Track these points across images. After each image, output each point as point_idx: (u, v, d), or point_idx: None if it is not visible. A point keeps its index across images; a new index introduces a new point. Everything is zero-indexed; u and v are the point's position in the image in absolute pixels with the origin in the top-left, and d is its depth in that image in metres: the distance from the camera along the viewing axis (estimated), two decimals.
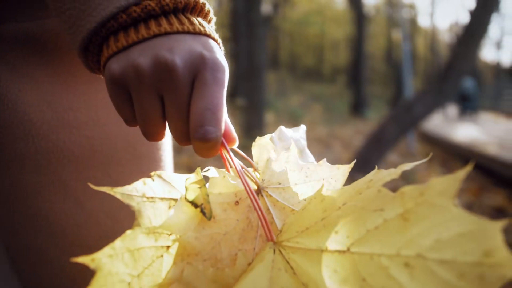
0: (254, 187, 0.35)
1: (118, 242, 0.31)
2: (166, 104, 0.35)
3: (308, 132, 0.45)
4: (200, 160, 3.31)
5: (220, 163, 0.38)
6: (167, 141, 0.60)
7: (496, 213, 3.10)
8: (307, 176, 0.36)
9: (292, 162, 0.36)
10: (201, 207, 0.32)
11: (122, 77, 0.35)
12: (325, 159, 0.37)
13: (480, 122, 9.65)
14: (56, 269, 0.51)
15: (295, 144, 0.40)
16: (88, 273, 0.33)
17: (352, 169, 0.37)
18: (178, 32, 0.36)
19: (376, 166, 0.33)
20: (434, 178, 0.24)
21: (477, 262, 0.22)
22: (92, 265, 0.30)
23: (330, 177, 0.36)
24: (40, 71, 0.48)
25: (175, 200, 0.37)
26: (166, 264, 0.34)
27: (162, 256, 0.34)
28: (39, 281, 0.51)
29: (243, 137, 3.60)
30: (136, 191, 0.36)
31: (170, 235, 0.34)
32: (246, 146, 0.44)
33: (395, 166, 0.30)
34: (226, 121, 0.37)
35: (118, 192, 0.35)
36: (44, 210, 0.49)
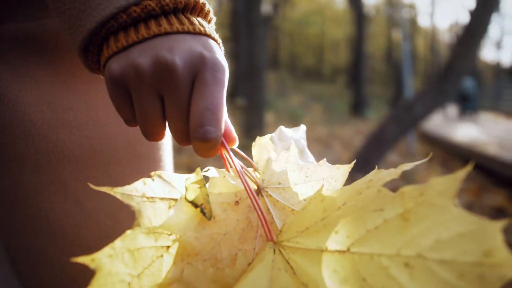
0: (254, 187, 0.35)
1: (118, 242, 0.31)
2: (166, 104, 0.35)
3: (308, 132, 0.45)
4: (200, 160, 3.31)
5: (220, 163, 0.38)
6: (167, 141, 0.60)
7: (496, 213, 3.10)
8: (307, 176, 0.36)
9: (292, 162, 0.36)
10: (201, 207, 0.32)
11: (122, 77, 0.35)
12: (325, 159, 0.37)
13: (480, 122, 9.64)
14: (56, 269, 0.51)
15: (295, 144, 0.40)
16: (88, 273, 0.33)
17: (352, 169, 0.37)
18: (178, 32, 0.36)
19: (376, 166, 0.33)
20: (434, 178, 0.24)
21: (477, 262, 0.22)
22: (92, 265, 0.30)
23: (330, 177, 0.36)
24: (40, 71, 0.48)
25: (175, 200, 0.37)
26: (166, 264, 0.34)
27: (162, 256, 0.34)
28: (39, 281, 0.51)
29: (243, 137, 3.59)
30: (136, 191, 0.36)
31: (170, 235, 0.34)
32: (246, 146, 0.44)
33: (395, 166, 0.30)
34: (226, 121, 0.37)
35: (118, 192, 0.35)
36: (44, 210, 0.49)
